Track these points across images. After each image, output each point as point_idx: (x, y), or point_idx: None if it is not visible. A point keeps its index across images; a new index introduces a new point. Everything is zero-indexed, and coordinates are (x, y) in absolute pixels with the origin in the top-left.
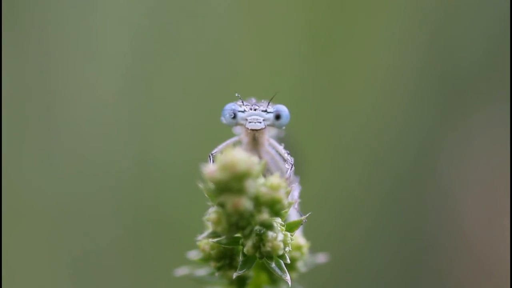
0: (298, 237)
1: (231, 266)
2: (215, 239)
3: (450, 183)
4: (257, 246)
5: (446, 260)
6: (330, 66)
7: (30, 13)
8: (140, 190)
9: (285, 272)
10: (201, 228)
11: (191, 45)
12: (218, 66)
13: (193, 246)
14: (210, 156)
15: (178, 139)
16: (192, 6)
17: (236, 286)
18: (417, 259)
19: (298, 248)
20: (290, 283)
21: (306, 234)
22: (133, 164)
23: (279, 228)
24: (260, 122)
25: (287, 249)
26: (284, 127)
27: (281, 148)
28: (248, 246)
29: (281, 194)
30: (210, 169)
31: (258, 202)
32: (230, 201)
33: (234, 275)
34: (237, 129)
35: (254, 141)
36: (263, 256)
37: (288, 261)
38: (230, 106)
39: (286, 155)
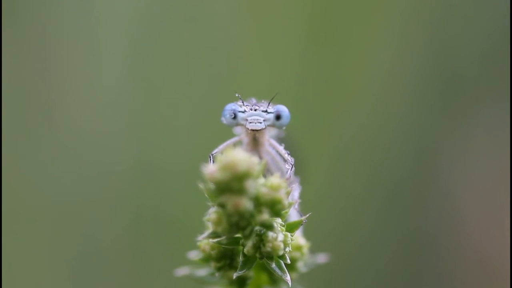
0: (298, 238)
1: (232, 266)
2: (216, 239)
3: (450, 183)
4: (258, 247)
5: (446, 260)
6: (330, 66)
7: (30, 12)
8: (140, 190)
9: (285, 272)
10: (201, 228)
11: (192, 44)
12: (219, 66)
13: (194, 246)
14: (210, 157)
15: (178, 139)
16: (192, 5)
17: (237, 286)
18: (417, 259)
19: (298, 248)
20: (290, 283)
21: (306, 235)
22: (133, 164)
23: (279, 229)
24: (261, 123)
25: (287, 249)
26: (284, 127)
27: (281, 149)
28: (248, 246)
29: (281, 194)
30: (211, 169)
31: (259, 202)
32: (231, 201)
33: (235, 275)
34: (238, 130)
35: (255, 142)
36: (263, 257)
37: (288, 261)
38: (230, 107)
39: (286, 156)
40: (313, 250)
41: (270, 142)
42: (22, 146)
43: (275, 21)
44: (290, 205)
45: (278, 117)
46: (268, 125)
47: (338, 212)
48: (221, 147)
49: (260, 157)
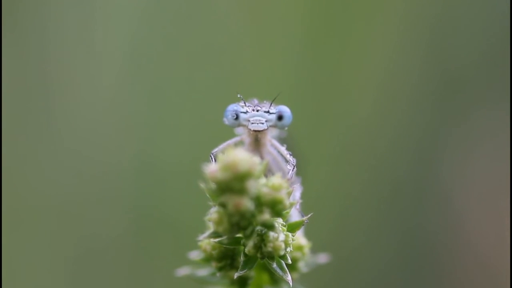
0: (300, 238)
1: (233, 266)
2: (217, 239)
3: (450, 183)
4: (259, 247)
5: (446, 260)
6: (330, 66)
7: (30, 12)
8: (140, 190)
9: (286, 272)
10: (202, 228)
11: (192, 44)
12: (219, 65)
13: (195, 246)
14: (211, 155)
15: (179, 139)
16: (192, 5)
17: (237, 286)
18: (417, 259)
19: (299, 248)
20: (291, 284)
21: (307, 235)
22: (134, 164)
23: (280, 229)
24: (263, 123)
25: (288, 249)
26: (286, 128)
27: (283, 149)
28: (249, 246)
29: (282, 194)
30: (212, 169)
31: (260, 202)
32: (232, 201)
33: (236, 275)
34: (239, 130)
35: (256, 142)
36: (265, 257)
37: (290, 261)
38: (232, 107)
39: (288, 156)
40: (314, 250)
41: (271, 143)
42: (22, 146)
43: (275, 21)
44: (292, 205)
45: (280, 117)
46: (270, 126)
47: (338, 212)
48: (221, 146)
49: (262, 157)
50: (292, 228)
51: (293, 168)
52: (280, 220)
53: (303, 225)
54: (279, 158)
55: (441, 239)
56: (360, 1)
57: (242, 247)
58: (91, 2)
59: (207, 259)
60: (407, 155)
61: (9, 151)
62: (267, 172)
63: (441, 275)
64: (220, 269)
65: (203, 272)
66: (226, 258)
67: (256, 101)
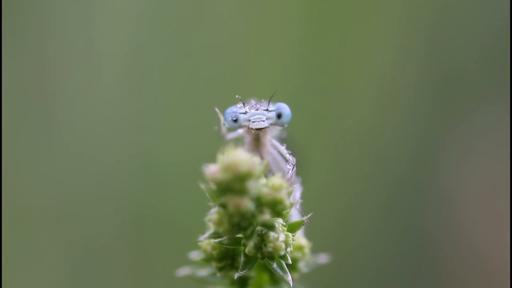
0: (300, 238)
1: (233, 266)
2: (217, 240)
3: (450, 183)
4: (259, 247)
5: (447, 260)
6: (329, 65)
7: (30, 12)
8: (141, 190)
9: (286, 272)
10: (202, 229)
11: (193, 44)
12: (219, 65)
13: (195, 246)
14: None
15: (179, 139)
16: (193, 6)
17: (238, 286)
18: (418, 258)
19: (300, 248)
20: (291, 284)
21: (308, 235)
22: (134, 164)
23: (280, 229)
24: (264, 121)
25: (288, 249)
26: (286, 125)
27: (283, 149)
28: (249, 246)
29: (282, 194)
30: (212, 169)
31: (260, 202)
32: (232, 201)
33: (236, 275)
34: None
35: (257, 142)
36: (265, 257)
37: (290, 261)
38: (231, 109)
39: (288, 156)
40: (315, 250)
41: (271, 143)
42: (22, 146)
43: (275, 21)
44: (292, 205)
45: (279, 115)
46: (271, 124)
47: (338, 212)
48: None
49: (262, 158)
50: (292, 228)
51: (293, 168)
52: (280, 220)
53: (303, 225)
54: (279, 158)
55: (441, 239)
56: (360, 0)
57: (242, 247)
58: (92, 2)
59: (208, 259)
60: (407, 155)
61: (9, 151)
62: (267, 172)
63: (441, 275)
64: (220, 269)
65: (204, 272)
66: (226, 258)
67: (253, 101)
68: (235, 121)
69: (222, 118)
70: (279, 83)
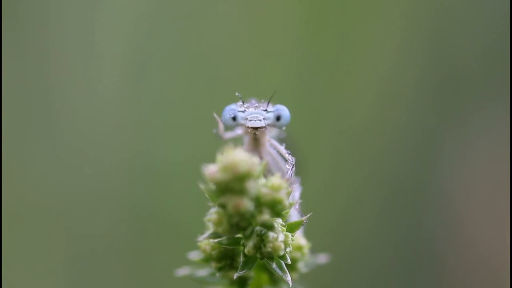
0: (299, 238)
1: (232, 266)
2: (216, 240)
3: (450, 183)
4: (258, 247)
5: (447, 260)
6: (329, 65)
7: (30, 12)
8: (141, 190)
9: (286, 272)
10: (202, 229)
11: (193, 44)
12: (219, 65)
13: (194, 246)
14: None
15: (179, 139)
16: (193, 6)
17: (237, 286)
18: (418, 258)
19: (299, 248)
20: (291, 284)
21: (307, 235)
22: (134, 164)
23: (280, 229)
24: (260, 120)
25: (288, 249)
26: (284, 127)
27: (282, 149)
28: (249, 246)
29: (282, 194)
30: (211, 170)
31: (259, 202)
32: (231, 201)
33: (235, 275)
34: (238, 131)
35: (255, 142)
36: (264, 257)
37: (289, 261)
38: (230, 107)
39: (287, 156)
40: (314, 250)
41: (271, 142)
42: (22, 146)
43: (274, 20)
44: (291, 205)
45: (278, 117)
46: (269, 125)
47: (338, 212)
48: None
49: (261, 158)
50: (291, 228)
51: (292, 168)
52: (279, 220)
53: (302, 225)
54: (279, 158)
55: (441, 238)
56: (360, 1)
57: (241, 248)
58: (92, 2)
59: (207, 260)
60: (407, 155)
61: (9, 151)
62: (267, 172)
63: (441, 275)
64: (219, 269)
65: (203, 272)
66: (225, 259)
67: (254, 101)
68: (234, 119)
69: (220, 122)
70: (279, 83)
